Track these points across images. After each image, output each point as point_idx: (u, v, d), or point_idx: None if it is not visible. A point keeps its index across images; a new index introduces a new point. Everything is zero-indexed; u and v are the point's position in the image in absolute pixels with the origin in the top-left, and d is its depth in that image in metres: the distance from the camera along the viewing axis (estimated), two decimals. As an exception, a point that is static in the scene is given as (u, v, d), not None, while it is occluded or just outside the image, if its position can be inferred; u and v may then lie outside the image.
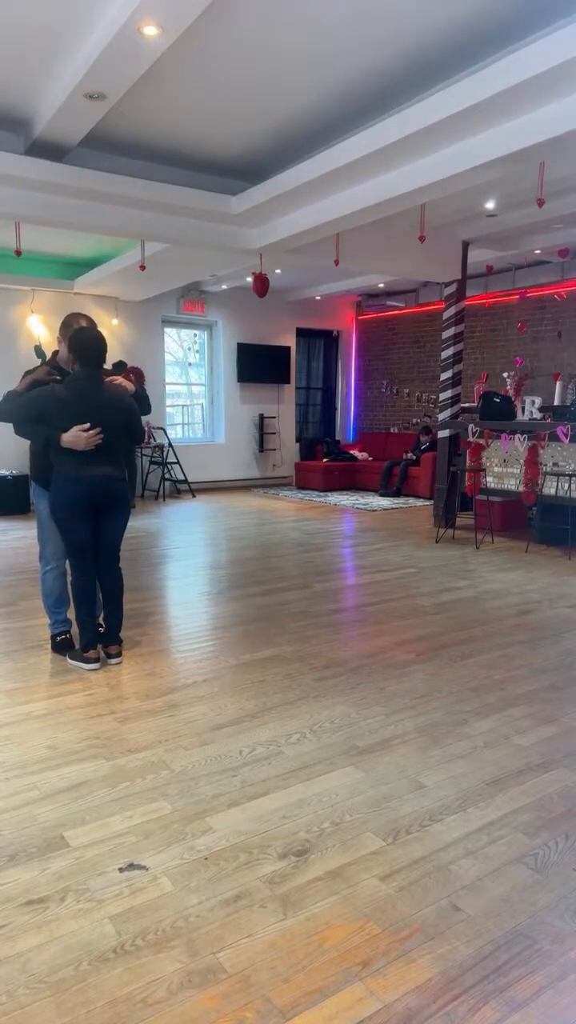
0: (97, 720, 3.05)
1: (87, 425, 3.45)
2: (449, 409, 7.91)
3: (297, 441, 12.21)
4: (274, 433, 11.90)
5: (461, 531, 7.67)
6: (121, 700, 3.26)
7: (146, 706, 3.19)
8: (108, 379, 3.68)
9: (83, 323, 3.67)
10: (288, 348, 11.79)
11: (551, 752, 2.77)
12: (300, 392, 12.31)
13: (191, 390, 11.54)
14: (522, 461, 7.00)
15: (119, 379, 3.78)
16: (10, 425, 3.62)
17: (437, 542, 7.07)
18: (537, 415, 7.46)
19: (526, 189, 6.01)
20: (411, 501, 10.04)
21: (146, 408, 3.83)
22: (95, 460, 3.52)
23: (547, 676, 3.55)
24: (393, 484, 10.53)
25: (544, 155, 4.51)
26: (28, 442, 3.77)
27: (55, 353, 3.88)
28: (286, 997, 1.62)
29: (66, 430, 3.44)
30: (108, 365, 3.76)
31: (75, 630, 3.84)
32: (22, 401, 3.50)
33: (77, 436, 3.44)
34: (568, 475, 6.45)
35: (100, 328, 3.69)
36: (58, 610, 3.92)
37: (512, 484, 7.22)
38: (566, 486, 6.62)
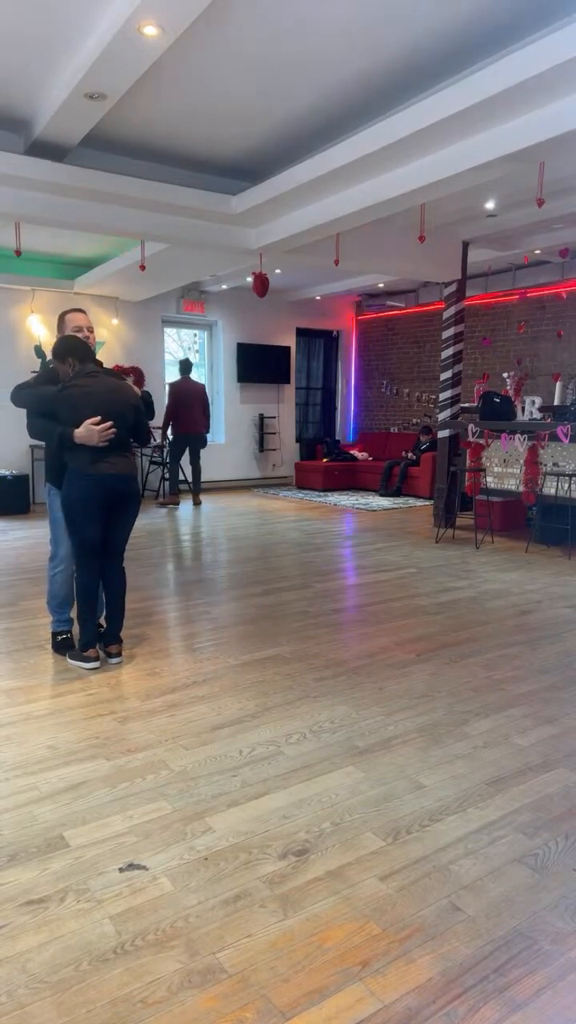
0: (97, 720, 3.05)
1: (98, 418, 3.47)
2: (449, 409, 7.91)
3: (297, 441, 12.21)
4: (274, 433, 11.90)
5: (461, 531, 7.67)
6: (121, 700, 3.26)
7: (146, 706, 3.19)
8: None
9: (77, 317, 3.77)
10: (288, 348, 11.79)
11: (551, 752, 2.77)
12: (300, 392, 12.31)
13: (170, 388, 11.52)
14: (522, 461, 7.00)
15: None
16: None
17: (437, 542, 7.07)
18: (537, 415, 7.45)
19: (526, 189, 6.01)
20: (411, 501, 10.04)
21: (151, 413, 3.87)
22: (109, 455, 3.54)
23: (547, 676, 3.55)
24: (393, 484, 10.53)
25: (544, 155, 4.51)
26: (29, 442, 3.79)
27: None
28: (286, 997, 1.62)
29: (78, 425, 3.46)
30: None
31: (75, 629, 3.84)
32: (33, 393, 3.60)
33: (90, 431, 3.44)
34: (568, 475, 6.45)
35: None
36: (62, 610, 3.93)
37: (512, 484, 7.22)
38: (566, 486, 6.62)
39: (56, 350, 3.60)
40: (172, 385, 9.62)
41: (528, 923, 1.85)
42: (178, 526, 8.09)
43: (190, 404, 9.47)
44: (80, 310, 3.85)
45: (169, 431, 9.62)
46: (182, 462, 9.95)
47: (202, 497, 10.16)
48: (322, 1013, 1.58)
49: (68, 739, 2.88)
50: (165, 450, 10.43)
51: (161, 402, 10.69)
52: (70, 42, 3.92)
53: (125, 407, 3.60)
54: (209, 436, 10.14)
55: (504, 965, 1.71)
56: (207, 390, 10.07)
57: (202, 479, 10.15)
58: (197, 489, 9.91)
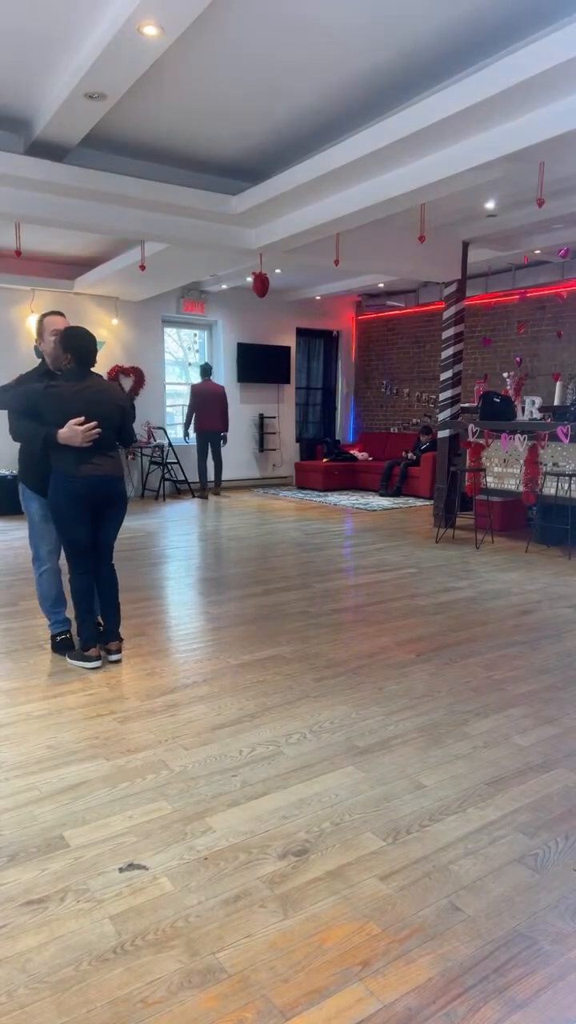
0: (97, 720, 3.05)
1: (82, 419, 3.45)
2: (449, 409, 7.91)
3: (297, 441, 12.21)
4: (274, 433, 11.90)
5: (461, 531, 7.67)
6: (121, 700, 3.26)
7: (146, 706, 3.19)
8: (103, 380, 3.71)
9: (58, 320, 3.73)
10: (288, 348, 11.79)
11: (551, 752, 2.77)
12: (300, 392, 12.31)
13: (191, 390, 11.54)
14: (522, 461, 7.00)
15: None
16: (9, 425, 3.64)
17: (437, 542, 7.07)
18: (537, 415, 7.45)
19: (526, 189, 6.01)
20: (411, 501, 10.04)
21: (132, 415, 3.86)
22: (93, 456, 3.52)
23: (547, 676, 3.55)
24: (393, 484, 10.53)
25: (544, 155, 4.51)
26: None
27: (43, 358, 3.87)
28: (286, 997, 1.62)
29: (62, 426, 3.44)
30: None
31: (74, 630, 3.84)
32: (16, 392, 3.55)
33: (73, 431, 3.43)
34: (568, 475, 6.45)
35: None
36: (56, 611, 3.92)
37: (512, 484, 7.22)
38: (566, 486, 6.62)
39: (66, 338, 3.53)
40: (194, 387, 10.35)
41: (528, 923, 1.85)
42: (178, 526, 8.09)
43: (211, 404, 10.28)
44: (59, 313, 3.79)
45: (191, 429, 10.40)
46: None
47: (209, 492, 10.81)
48: (322, 1013, 1.58)
49: (68, 739, 2.88)
50: (165, 450, 10.46)
51: (160, 402, 10.73)
52: (70, 42, 3.92)
53: (111, 408, 3.58)
54: (228, 434, 10.74)
55: (504, 965, 1.71)
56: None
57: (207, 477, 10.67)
58: (218, 482, 10.74)
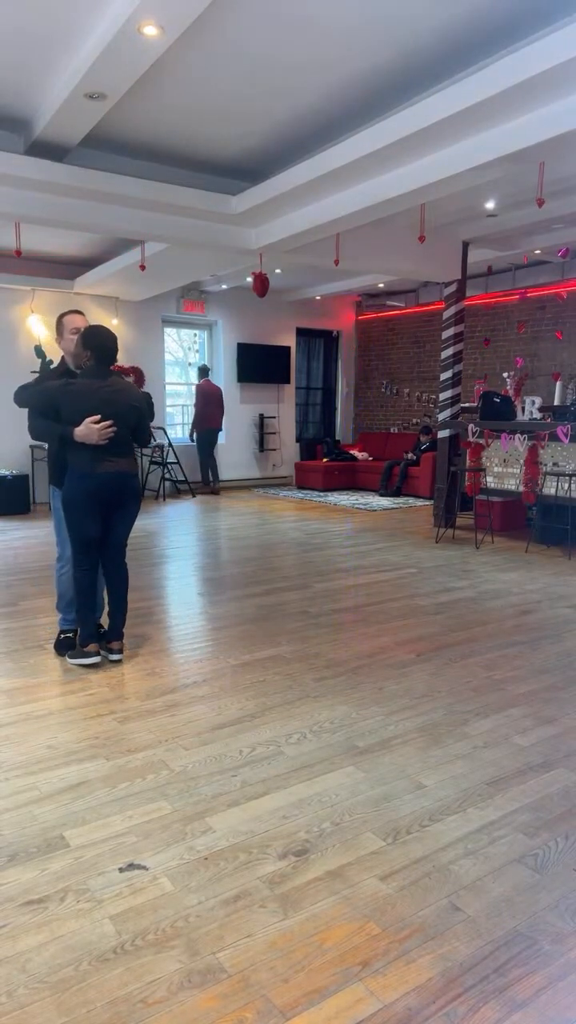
0: (97, 720, 3.05)
1: (98, 417, 3.48)
2: (449, 409, 7.91)
3: (297, 441, 12.21)
4: (274, 433, 11.90)
5: (461, 531, 7.67)
6: (121, 700, 3.26)
7: (146, 706, 3.19)
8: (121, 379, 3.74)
9: (77, 318, 3.78)
10: (288, 348, 11.79)
11: (551, 752, 2.77)
12: (300, 392, 12.31)
13: (191, 390, 11.54)
14: (522, 461, 7.00)
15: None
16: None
17: (437, 542, 7.07)
18: (537, 415, 7.45)
19: (526, 189, 6.01)
20: (411, 501, 10.04)
21: (151, 415, 3.88)
22: (108, 454, 3.56)
23: (547, 676, 3.55)
24: (393, 484, 10.53)
25: (544, 155, 4.51)
26: (29, 442, 3.79)
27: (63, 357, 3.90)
28: (286, 997, 1.62)
29: (78, 424, 3.47)
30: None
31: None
32: (36, 390, 3.61)
33: (89, 429, 3.46)
34: (568, 475, 6.45)
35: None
36: (70, 610, 3.94)
37: (512, 484, 7.22)
38: (566, 486, 6.62)
39: (87, 336, 3.57)
40: (199, 387, 10.64)
41: (528, 923, 1.85)
42: (178, 526, 8.09)
43: (214, 403, 10.62)
44: (79, 312, 3.86)
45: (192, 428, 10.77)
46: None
47: (200, 496, 10.84)
48: (322, 1013, 1.58)
49: (68, 739, 2.88)
50: (165, 450, 10.47)
51: (160, 402, 10.75)
52: (70, 42, 3.92)
53: (126, 407, 3.61)
54: (223, 433, 11.02)
55: (504, 965, 1.71)
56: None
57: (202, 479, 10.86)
58: (216, 481, 10.95)
